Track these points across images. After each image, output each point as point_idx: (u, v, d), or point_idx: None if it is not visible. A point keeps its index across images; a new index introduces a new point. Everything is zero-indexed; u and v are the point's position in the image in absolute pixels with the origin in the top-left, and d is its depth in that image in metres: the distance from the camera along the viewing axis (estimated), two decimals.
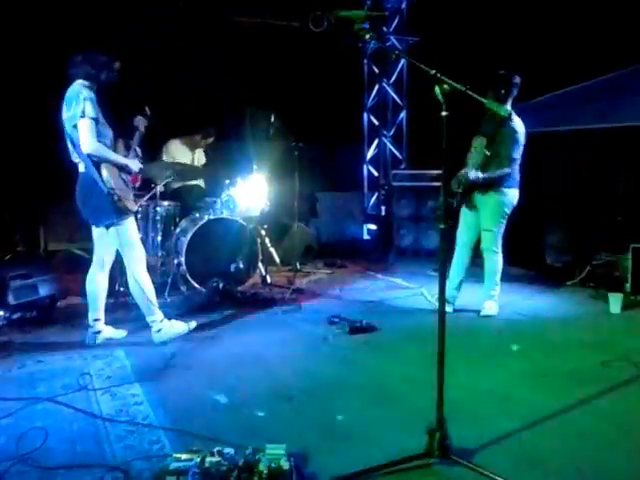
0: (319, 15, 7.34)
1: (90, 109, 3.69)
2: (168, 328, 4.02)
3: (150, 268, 5.55)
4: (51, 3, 6.29)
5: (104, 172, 3.77)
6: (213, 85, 6.95)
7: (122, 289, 4.95)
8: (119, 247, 3.95)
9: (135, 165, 4.02)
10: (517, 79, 4.58)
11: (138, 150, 4.17)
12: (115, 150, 3.93)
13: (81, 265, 6.36)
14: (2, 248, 5.89)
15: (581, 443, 2.64)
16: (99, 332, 4.02)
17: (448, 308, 4.70)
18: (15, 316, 4.29)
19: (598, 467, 2.43)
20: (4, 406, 2.92)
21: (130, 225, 3.91)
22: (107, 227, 3.87)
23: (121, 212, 3.82)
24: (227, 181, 5.81)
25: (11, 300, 4.26)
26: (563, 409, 2.98)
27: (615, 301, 4.89)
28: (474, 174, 4.53)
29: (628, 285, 5.26)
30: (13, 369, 3.51)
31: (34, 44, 6.34)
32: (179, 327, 4.08)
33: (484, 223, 4.69)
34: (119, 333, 4.15)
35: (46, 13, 6.30)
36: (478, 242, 4.81)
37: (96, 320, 4.02)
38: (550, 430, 2.76)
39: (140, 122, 4.22)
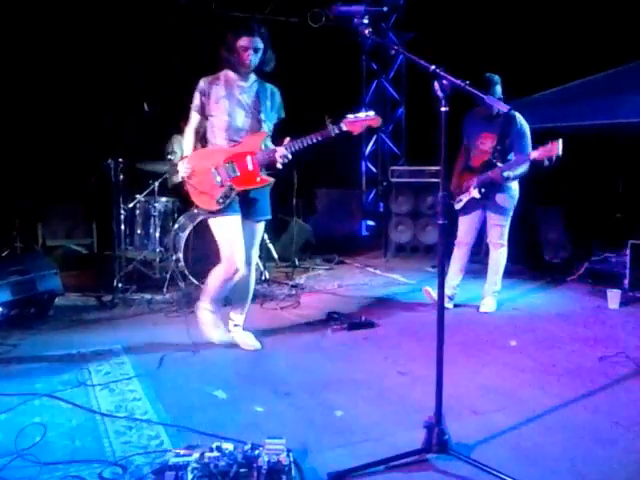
0: (317, 11, 7.34)
1: (195, 99, 3.64)
2: (208, 326, 3.85)
3: (148, 264, 5.60)
4: (51, 3, 6.27)
5: (181, 162, 3.63)
6: None
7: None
8: None
9: (181, 168, 3.60)
10: (496, 78, 4.50)
11: (283, 153, 3.61)
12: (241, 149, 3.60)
13: (79, 261, 6.43)
14: (0, 244, 5.89)
15: (579, 438, 2.64)
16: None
17: (448, 304, 4.72)
18: (13, 312, 4.27)
19: (595, 462, 2.44)
20: (3, 401, 2.92)
21: (215, 222, 3.65)
22: None
23: (198, 207, 3.64)
24: None
25: (9, 296, 4.25)
26: (561, 404, 2.99)
27: (613, 297, 4.90)
28: (507, 174, 4.45)
29: (626, 281, 5.28)
30: (12, 365, 3.51)
31: (34, 44, 6.32)
32: (213, 334, 3.85)
33: (494, 219, 4.68)
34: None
35: (47, 12, 6.29)
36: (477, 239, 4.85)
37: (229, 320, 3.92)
38: (548, 425, 2.77)
39: (361, 121, 3.68)
